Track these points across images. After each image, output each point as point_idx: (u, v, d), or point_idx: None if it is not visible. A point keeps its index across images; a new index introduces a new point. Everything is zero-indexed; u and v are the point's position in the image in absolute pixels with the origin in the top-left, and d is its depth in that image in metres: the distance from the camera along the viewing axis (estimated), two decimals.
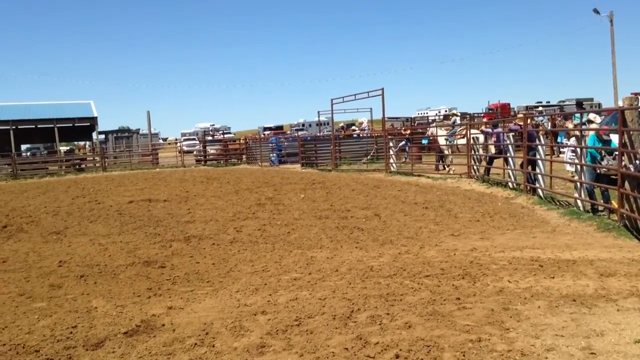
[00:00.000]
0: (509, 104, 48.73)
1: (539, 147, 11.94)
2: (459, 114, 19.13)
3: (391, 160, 19.47)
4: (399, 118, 43.25)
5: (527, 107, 48.06)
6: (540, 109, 44.26)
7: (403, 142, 21.47)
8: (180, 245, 8.39)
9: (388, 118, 30.54)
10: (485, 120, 32.53)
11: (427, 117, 52.52)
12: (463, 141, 16.62)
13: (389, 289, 5.48)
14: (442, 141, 18.20)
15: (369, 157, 23.26)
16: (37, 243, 9.21)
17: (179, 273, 6.65)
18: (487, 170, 15.02)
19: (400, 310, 4.82)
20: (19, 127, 39.46)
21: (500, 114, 39.13)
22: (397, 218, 9.82)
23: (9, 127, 37.05)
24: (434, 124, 23.68)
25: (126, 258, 7.64)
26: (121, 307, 5.36)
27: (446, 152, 17.74)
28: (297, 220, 10.12)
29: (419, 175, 17.33)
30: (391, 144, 19.98)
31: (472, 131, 16.31)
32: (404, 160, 21.57)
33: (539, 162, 11.55)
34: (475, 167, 15.43)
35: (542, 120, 22.34)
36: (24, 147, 49.19)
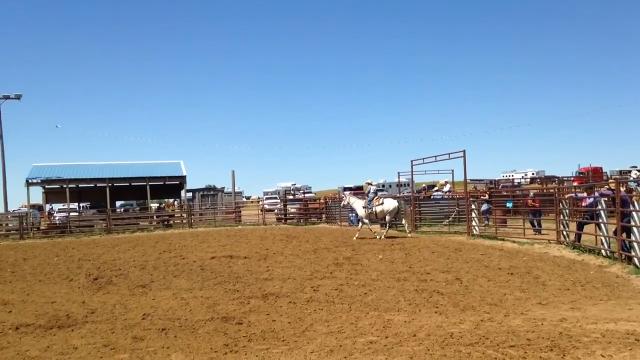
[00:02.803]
0: (601, 168, 46.62)
1: (634, 213, 11.23)
2: (374, 183, 20.39)
3: (473, 223, 18.94)
4: (482, 180, 42.33)
5: (620, 172, 45.75)
6: (633, 174, 41.95)
7: (486, 205, 20.85)
8: (257, 302, 8.44)
9: (470, 180, 29.97)
10: (575, 184, 31.21)
11: (512, 179, 51.05)
12: (379, 208, 18.59)
13: (470, 358, 5.22)
14: (360, 210, 19.40)
15: (450, 220, 22.74)
16: (124, 295, 9.59)
17: (255, 330, 6.67)
18: (578, 237, 14.26)
19: None
20: (115, 184, 42.02)
21: (591, 178, 37.42)
22: (479, 283, 9.44)
23: (105, 185, 39.55)
24: (349, 194, 24.11)
25: (206, 313, 7.77)
26: None
27: (365, 220, 19.19)
28: (374, 281, 9.97)
29: (503, 240, 16.71)
30: (473, 207, 19.48)
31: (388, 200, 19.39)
32: (485, 223, 20.90)
33: (634, 229, 10.85)
34: (565, 233, 14.70)
35: (636, 186, 21.08)
36: (118, 203, 52.14)
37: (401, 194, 33.03)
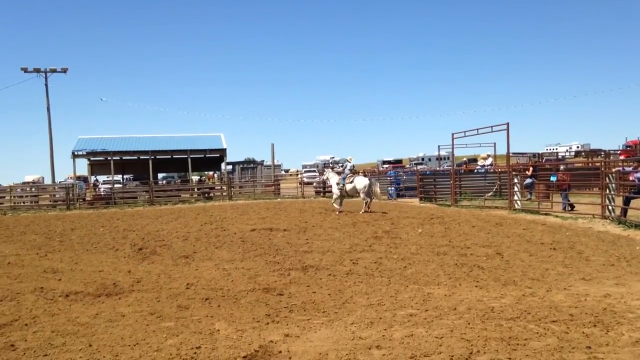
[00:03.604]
0: None
1: None
2: (351, 161, 21.07)
3: (515, 197, 18.62)
4: (525, 154, 41.42)
5: None
6: None
7: (529, 179, 20.42)
8: (297, 274, 8.55)
9: (513, 154, 29.37)
10: (622, 157, 30.23)
11: (557, 153, 49.78)
12: (350, 186, 19.29)
13: (512, 332, 5.18)
14: (334, 186, 20.17)
15: (491, 193, 22.41)
16: (168, 265, 9.85)
17: (296, 301, 6.77)
18: (624, 212, 13.88)
19: (524, 355, 4.53)
20: (157, 157, 42.87)
21: (639, 151, 36.16)
22: (521, 258, 9.32)
23: (148, 157, 40.41)
24: (328, 169, 25.59)
25: (247, 284, 7.92)
26: (241, 331, 5.54)
27: (335, 195, 19.95)
28: (414, 255, 9.95)
29: (546, 214, 16.40)
30: (516, 180, 19.12)
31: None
32: (528, 197, 20.51)
33: None
34: (610, 208, 14.32)
35: None
36: (160, 175, 53.24)
37: (441, 168, 32.69)
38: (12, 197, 33.64)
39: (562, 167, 19.82)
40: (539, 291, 6.88)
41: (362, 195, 19.28)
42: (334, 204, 20.00)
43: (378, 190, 19.88)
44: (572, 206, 16.98)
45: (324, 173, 24.09)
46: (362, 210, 18.98)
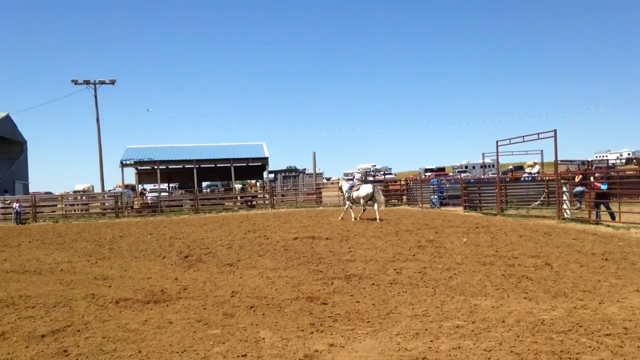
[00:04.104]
0: None
1: None
2: (359, 170, 23.87)
3: (564, 206, 18.12)
4: (573, 161, 40.32)
5: None
6: None
7: (579, 188, 19.82)
8: (341, 283, 8.53)
9: (561, 161, 28.63)
10: None
11: (607, 160, 48.28)
12: (355, 194, 20.41)
13: (563, 345, 5.03)
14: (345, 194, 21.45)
15: (538, 202, 21.88)
16: (213, 273, 9.99)
17: (339, 311, 6.75)
18: None
19: None
20: (202, 166, 43.64)
21: None
22: (571, 269, 9.05)
23: (193, 166, 41.17)
24: (342, 179, 26.62)
25: (291, 292, 7.95)
26: (286, 340, 5.56)
27: (347, 202, 21.24)
28: (459, 265, 9.79)
29: (596, 224, 15.89)
30: (565, 189, 18.61)
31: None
32: (577, 206, 19.92)
33: None
34: None
35: None
36: (204, 184, 54.16)
37: (486, 175, 32.17)
38: (64, 206, 34.79)
39: (597, 175, 19.19)
40: (591, 303, 6.66)
41: (362, 201, 20.29)
42: (344, 213, 21.22)
43: (382, 198, 20.72)
44: (612, 216, 16.47)
45: (339, 182, 25.06)
46: (359, 216, 20.45)
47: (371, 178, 47.80)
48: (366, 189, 20.18)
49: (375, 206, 19.89)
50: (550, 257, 10.26)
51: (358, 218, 20.08)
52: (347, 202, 21.31)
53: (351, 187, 20.90)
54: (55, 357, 5.25)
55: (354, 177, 22.40)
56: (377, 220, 19.01)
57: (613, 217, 16.37)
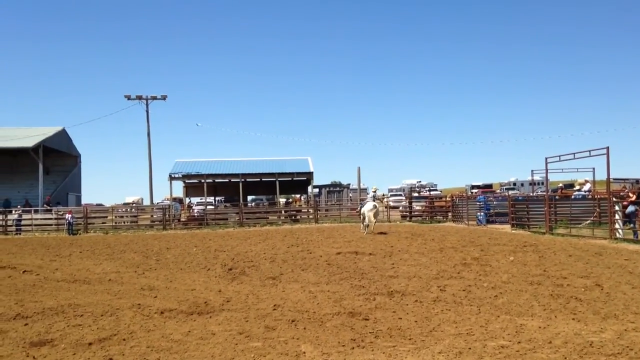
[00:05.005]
0: None
1: None
2: (372, 191, 25.01)
3: (617, 226, 17.49)
4: (627, 179, 38.92)
5: None
6: None
7: (632, 207, 19.11)
8: (383, 299, 8.47)
9: (614, 179, 27.72)
10: None
11: None
12: (362, 209, 22.16)
13: None
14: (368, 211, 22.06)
15: (589, 221, 21.18)
16: (256, 286, 10.08)
17: (381, 327, 6.70)
18: None
19: None
20: (247, 180, 44.21)
21: None
22: (623, 290, 8.71)
23: (239, 180, 41.77)
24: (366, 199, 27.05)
25: (332, 307, 7.94)
26: (327, 354, 5.55)
27: (366, 220, 22.04)
28: (505, 283, 9.57)
29: None
30: (617, 208, 17.98)
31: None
32: (631, 226, 19.18)
33: None
34: None
35: None
36: (249, 197, 54.81)
37: (534, 193, 31.47)
38: (114, 217, 35.81)
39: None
40: None
41: (363, 216, 22.10)
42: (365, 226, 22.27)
43: (371, 215, 21.50)
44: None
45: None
46: (366, 231, 21.71)
47: (416, 194, 47.33)
48: (368, 206, 21.83)
49: (373, 221, 21.69)
50: (600, 277, 9.91)
51: (366, 232, 21.63)
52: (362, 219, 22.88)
53: (362, 205, 22.96)
54: None
55: (369, 195, 24.31)
56: (371, 233, 21.27)
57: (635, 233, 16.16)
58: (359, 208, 23.19)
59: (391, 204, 38.98)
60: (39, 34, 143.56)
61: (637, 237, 16.49)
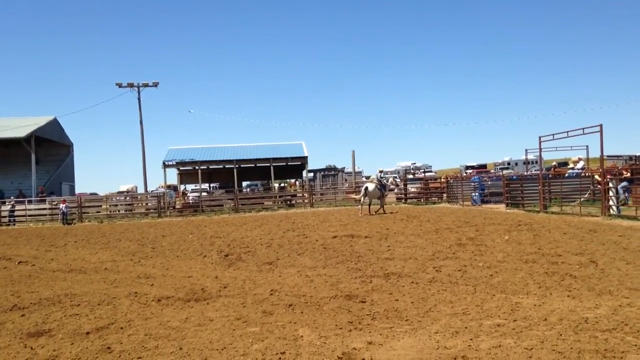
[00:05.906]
0: None
1: None
2: (377, 175, 25.43)
3: (611, 203, 17.58)
4: (620, 156, 39.11)
5: None
6: None
7: (624, 183, 19.22)
8: (379, 281, 8.50)
9: (607, 156, 27.84)
10: None
11: None
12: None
13: (607, 344, 4.90)
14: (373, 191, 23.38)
15: (583, 199, 21.27)
16: (252, 272, 10.10)
17: (378, 309, 6.73)
18: None
19: None
20: (242, 166, 44.16)
21: None
22: (617, 266, 8.78)
23: (233, 166, 41.70)
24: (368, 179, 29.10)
25: (329, 290, 7.97)
26: (324, 337, 5.58)
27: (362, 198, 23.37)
28: (500, 262, 9.63)
29: None
30: (611, 185, 18.05)
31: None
32: (623, 202, 19.28)
33: None
34: None
35: None
36: (244, 183, 54.77)
37: (528, 172, 31.58)
38: (108, 206, 35.74)
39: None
40: (637, 301, 6.45)
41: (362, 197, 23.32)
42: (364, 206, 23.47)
43: (374, 195, 23.20)
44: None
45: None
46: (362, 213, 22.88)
47: (410, 176, 47.40)
48: (363, 188, 23.27)
49: (369, 203, 23.14)
50: (595, 254, 9.98)
51: (368, 213, 22.73)
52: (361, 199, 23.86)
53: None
54: (99, 353, 5.40)
55: (378, 177, 25.08)
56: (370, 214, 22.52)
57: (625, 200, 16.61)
58: (363, 192, 23.65)
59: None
60: (29, 24, 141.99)
61: (619, 212, 16.82)
